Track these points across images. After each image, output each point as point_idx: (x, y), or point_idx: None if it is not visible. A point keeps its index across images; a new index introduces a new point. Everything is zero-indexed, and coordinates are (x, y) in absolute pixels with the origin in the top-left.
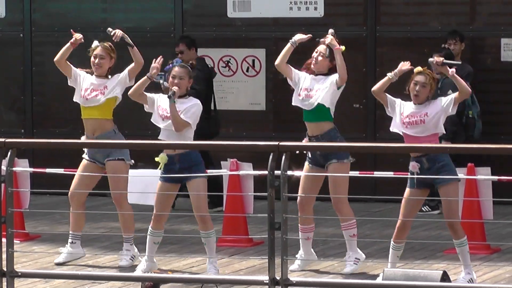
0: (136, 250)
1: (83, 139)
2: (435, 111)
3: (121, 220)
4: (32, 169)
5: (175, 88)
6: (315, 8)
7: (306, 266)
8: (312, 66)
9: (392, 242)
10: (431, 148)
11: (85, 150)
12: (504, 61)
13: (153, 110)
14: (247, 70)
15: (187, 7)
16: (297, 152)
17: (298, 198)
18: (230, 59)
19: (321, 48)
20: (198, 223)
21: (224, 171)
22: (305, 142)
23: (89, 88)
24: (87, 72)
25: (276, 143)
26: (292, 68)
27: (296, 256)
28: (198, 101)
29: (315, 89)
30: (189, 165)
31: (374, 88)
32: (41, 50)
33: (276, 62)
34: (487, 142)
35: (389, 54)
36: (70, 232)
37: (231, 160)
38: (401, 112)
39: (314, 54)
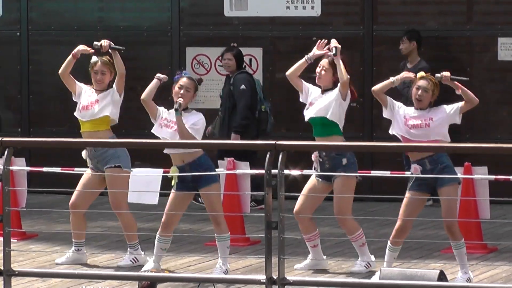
0: (142, 254)
1: (84, 153)
2: (440, 117)
3: (123, 227)
4: (29, 168)
5: (180, 100)
6: (312, 7)
7: (314, 267)
8: (316, 81)
9: (389, 243)
10: (427, 148)
11: (89, 160)
12: (501, 61)
13: (155, 121)
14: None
15: (184, 5)
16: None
17: (295, 208)
18: None
19: (324, 62)
20: (214, 226)
21: (221, 170)
22: (314, 157)
23: (87, 104)
24: (90, 87)
25: (273, 142)
26: (303, 82)
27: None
28: (202, 116)
29: (318, 102)
30: (201, 171)
31: (375, 88)
32: (38, 49)
33: (288, 73)
34: (484, 141)
35: (386, 53)
36: (74, 240)
37: (228, 159)
38: (404, 115)
39: (318, 69)
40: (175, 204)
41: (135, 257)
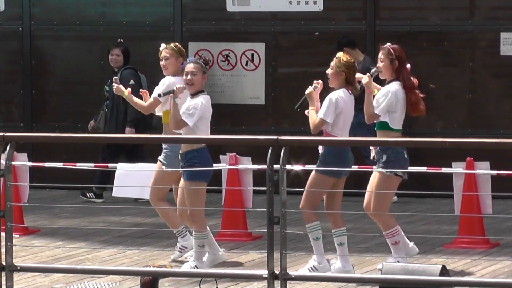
0: (190, 239)
1: None
2: None
3: (163, 217)
4: (31, 163)
5: (178, 86)
6: (314, 2)
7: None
8: (380, 76)
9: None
10: (428, 143)
11: None
12: (503, 56)
13: None
14: (246, 64)
15: (186, 1)
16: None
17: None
18: (229, 53)
19: (380, 55)
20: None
21: (223, 165)
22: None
23: None
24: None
25: (275, 137)
26: None
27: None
28: (203, 100)
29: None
30: (188, 164)
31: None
32: (40, 44)
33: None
34: (487, 136)
35: None
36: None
37: (230, 154)
38: None
39: (379, 64)
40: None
41: (182, 246)
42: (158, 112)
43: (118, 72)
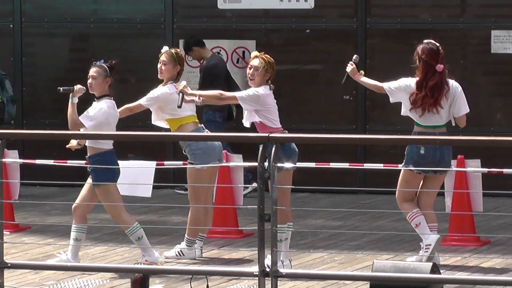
0: (193, 251)
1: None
2: None
3: (189, 219)
4: (22, 160)
5: (76, 87)
6: (305, 0)
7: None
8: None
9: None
10: (421, 140)
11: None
12: (494, 53)
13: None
14: (237, 62)
15: None
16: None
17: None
18: (220, 50)
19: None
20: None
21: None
22: None
23: None
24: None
25: (266, 134)
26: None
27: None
28: (105, 105)
29: None
30: (92, 168)
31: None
32: (31, 41)
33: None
34: (477, 134)
35: (379, 46)
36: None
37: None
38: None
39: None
40: None
41: (181, 251)
42: (155, 122)
43: None
